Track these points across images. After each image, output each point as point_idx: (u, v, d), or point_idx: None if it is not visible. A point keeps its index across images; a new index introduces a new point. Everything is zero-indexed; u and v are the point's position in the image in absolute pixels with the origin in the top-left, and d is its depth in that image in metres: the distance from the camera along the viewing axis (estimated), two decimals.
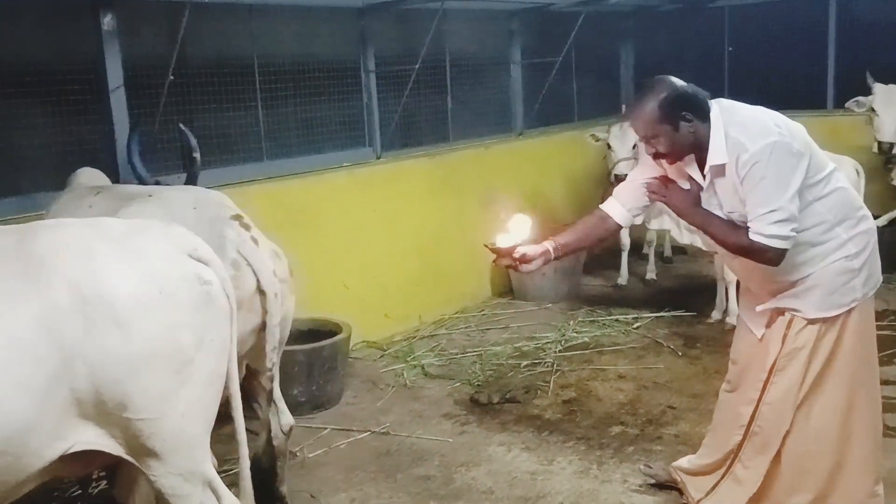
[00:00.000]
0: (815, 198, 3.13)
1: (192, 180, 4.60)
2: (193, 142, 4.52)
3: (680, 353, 5.80)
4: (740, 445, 3.43)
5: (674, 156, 3.25)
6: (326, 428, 4.88)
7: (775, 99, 7.67)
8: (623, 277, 7.63)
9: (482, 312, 6.97)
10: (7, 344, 2.37)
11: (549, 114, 8.20)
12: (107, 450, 2.60)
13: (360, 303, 6.06)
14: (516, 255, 3.47)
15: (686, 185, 3.32)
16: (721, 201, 3.20)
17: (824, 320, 3.21)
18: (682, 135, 3.15)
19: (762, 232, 3.04)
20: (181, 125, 4.68)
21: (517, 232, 3.56)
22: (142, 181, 4.70)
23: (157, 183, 4.66)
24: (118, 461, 2.71)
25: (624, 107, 9.28)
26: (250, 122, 5.64)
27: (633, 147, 6.82)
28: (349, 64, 6.38)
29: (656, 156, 3.28)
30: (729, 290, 6.16)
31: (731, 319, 6.16)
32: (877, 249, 3.29)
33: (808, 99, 8.01)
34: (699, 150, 3.18)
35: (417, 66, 6.31)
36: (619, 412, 4.93)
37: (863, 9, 8.17)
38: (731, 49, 8.77)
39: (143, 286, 2.57)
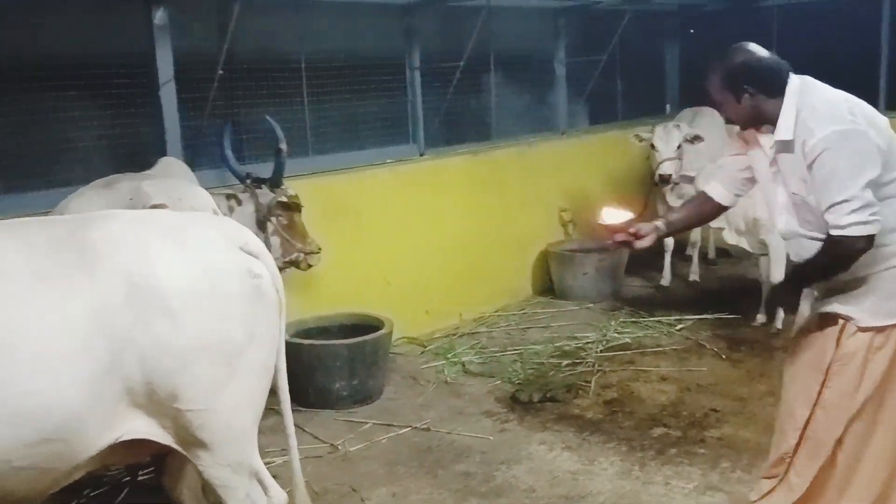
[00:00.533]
0: (883, 197, 2.95)
1: (278, 171, 4.73)
2: (280, 133, 4.65)
3: (723, 356, 5.73)
4: (795, 450, 3.35)
5: (739, 124, 3.24)
6: (368, 422, 4.90)
7: None
8: (666, 278, 7.55)
9: (523, 311, 6.95)
10: (62, 332, 2.41)
11: (594, 113, 8.17)
12: (156, 440, 2.63)
13: (401, 299, 6.08)
14: (631, 231, 3.43)
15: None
16: (785, 179, 3.09)
17: (878, 330, 3.09)
18: (743, 107, 3.10)
19: (839, 224, 2.87)
20: (268, 116, 4.81)
21: (625, 210, 3.58)
22: (234, 172, 4.81)
23: (248, 175, 4.82)
24: (167, 450, 2.74)
25: (668, 106, 9.25)
26: (296, 117, 5.68)
27: (678, 147, 6.76)
28: (394, 61, 6.41)
29: (727, 120, 3.23)
30: None
31: (775, 322, 6.07)
32: None
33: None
34: (764, 123, 3.11)
35: (462, 64, 6.31)
36: (661, 414, 4.89)
37: None
38: (778, 49, 8.62)
39: (196, 278, 2.60)
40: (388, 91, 6.37)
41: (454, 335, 6.35)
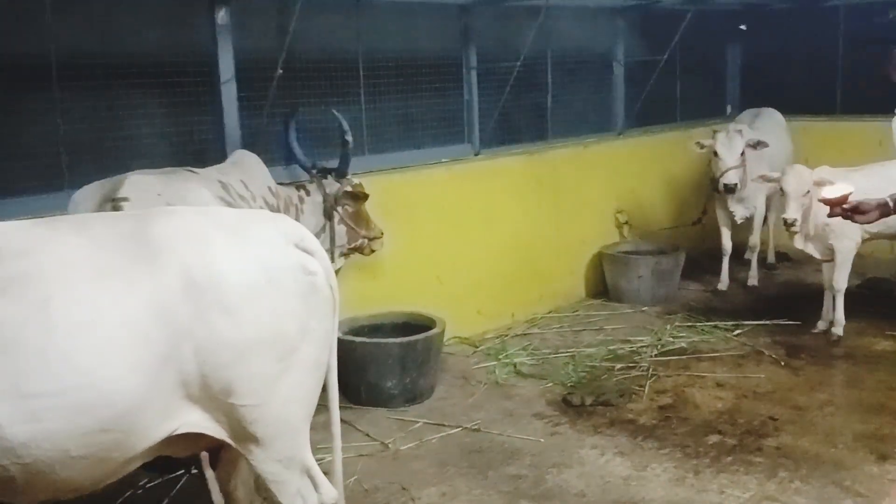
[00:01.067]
0: None
1: (344, 163, 4.91)
2: (346, 125, 4.80)
3: (782, 363, 5.61)
4: None
5: None
6: (419, 421, 4.91)
7: (891, 103, 7.38)
8: (723, 283, 7.42)
9: (576, 313, 6.90)
10: (122, 324, 2.47)
11: (651, 114, 8.04)
12: (210, 433, 2.67)
13: (453, 298, 6.08)
14: (847, 206, 3.46)
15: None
16: None
17: None
18: None
19: None
20: (334, 110, 4.97)
21: (844, 185, 3.59)
22: (300, 163, 5.02)
23: (314, 166, 5.02)
24: (221, 443, 2.78)
25: (729, 108, 9.08)
26: (353, 116, 5.71)
27: (741, 154, 6.64)
28: (451, 60, 6.40)
29: None
30: (837, 299, 5.92)
31: (836, 330, 5.93)
32: None
33: None
34: None
35: (519, 64, 6.28)
36: (716, 421, 4.80)
37: None
38: (844, 48, 8.41)
39: (253, 274, 2.64)
40: (445, 90, 6.37)
41: (506, 336, 6.33)
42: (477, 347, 6.09)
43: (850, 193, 3.45)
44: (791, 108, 7.91)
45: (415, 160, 6.10)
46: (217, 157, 4.77)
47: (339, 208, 4.91)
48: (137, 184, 3.89)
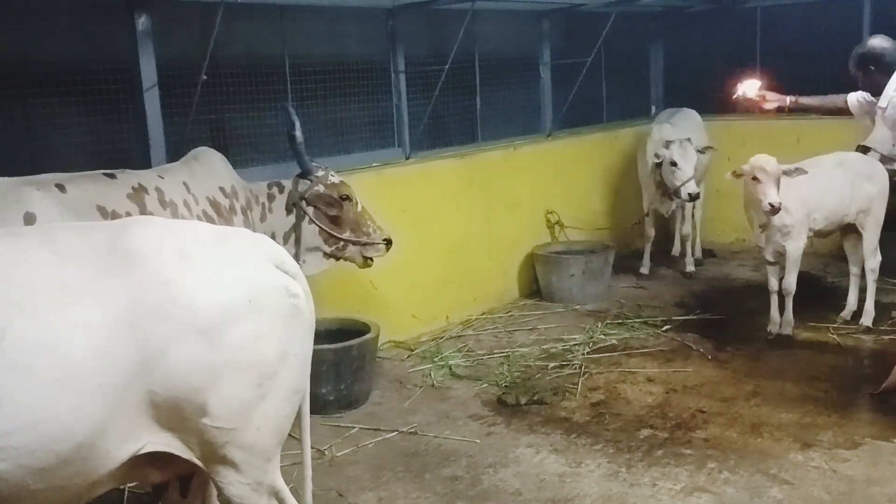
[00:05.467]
0: None
1: (299, 161, 4.71)
2: (295, 119, 4.57)
3: (709, 357, 5.75)
4: None
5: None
6: (354, 427, 4.89)
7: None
8: (645, 267, 7.72)
9: (509, 314, 6.95)
10: (88, 344, 2.32)
11: (579, 115, 8.16)
12: (178, 453, 2.55)
13: (387, 302, 6.08)
14: (758, 94, 5.08)
15: None
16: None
17: None
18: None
19: None
20: (286, 105, 4.78)
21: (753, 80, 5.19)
22: (301, 163, 4.75)
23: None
24: (191, 471, 2.70)
25: (654, 108, 9.28)
26: (281, 121, 5.66)
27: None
28: (379, 64, 6.39)
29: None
30: (787, 300, 5.94)
31: (785, 330, 5.99)
32: None
33: None
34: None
35: (447, 67, 6.31)
36: (648, 415, 4.90)
37: None
38: (762, 50, 8.67)
39: (234, 293, 2.53)
40: (374, 94, 6.36)
41: (441, 338, 6.35)
42: (412, 351, 6.09)
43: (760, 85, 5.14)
44: (712, 107, 8.11)
45: (345, 165, 6.05)
46: (141, 164, 4.66)
47: (311, 208, 4.71)
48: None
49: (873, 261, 6.00)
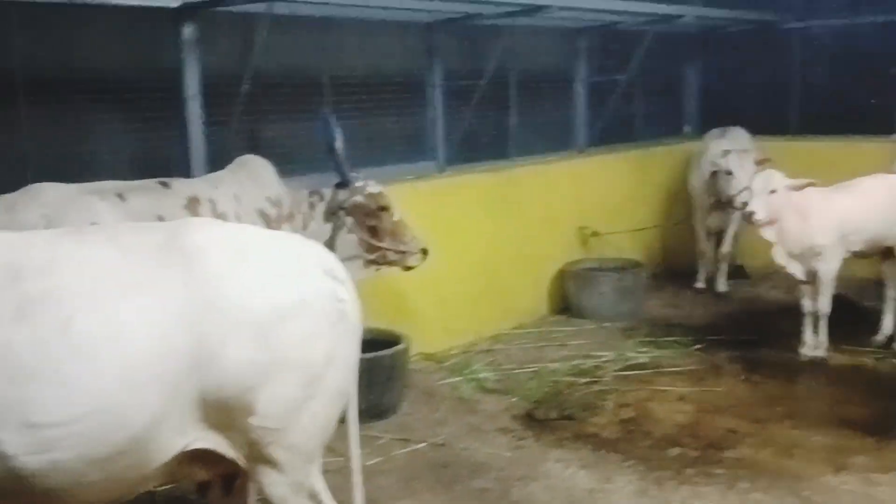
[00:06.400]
0: None
1: (339, 171, 4.76)
2: (335, 131, 4.67)
3: (742, 378, 5.71)
4: None
5: None
6: (384, 437, 4.92)
7: (843, 124, 7.60)
8: (700, 282, 7.94)
9: (539, 329, 6.95)
10: (148, 337, 2.40)
11: (612, 132, 8.17)
12: (222, 451, 2.60)
13: (419, 315, 6.11)
14: None
15: None
16: None
17: None
18: None
19: None
20: (327, 115, 4.83)
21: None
22: (341, 173, 4.82)
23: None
24: (234, 471, 2.74)
25: (686, 127, 9.27)
26: (319, 132, 5.73)
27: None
28: (416, 78, 6.46)
29: None
30: (821, 322, 5.93)
31: (819, 352, 5.96)
32: None
33: (876, 125, 7.84)
34: None
35: (483, 82, 6.36)
36: (678, 434, 4.88)
37: None
38: (802, 72, 8.64)
39: (284, 294, 2.61)
40: (410, 108, 6.42)
41: (471, 352, 6.37)
42: (442, 364, 6.11)
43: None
44: (747, 127, 8.09)
45: (380, 177, 6.10)
46: (182, 172, 4.75)
47: (350, 218, 4.77)
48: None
49: None
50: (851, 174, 6.04)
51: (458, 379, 5.80)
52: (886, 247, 5.95)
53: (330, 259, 2.86)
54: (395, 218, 4.94)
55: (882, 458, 4.47)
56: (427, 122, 6.55)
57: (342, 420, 2.93)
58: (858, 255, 5.98)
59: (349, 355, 2.79)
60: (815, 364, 5.89)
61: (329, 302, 2.71)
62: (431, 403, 5.45)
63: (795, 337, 6.10)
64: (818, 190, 5.73)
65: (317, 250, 2.88)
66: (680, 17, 7.48)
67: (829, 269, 5.73)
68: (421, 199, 6.21)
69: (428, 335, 6.19)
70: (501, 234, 6.88)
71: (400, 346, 5.26)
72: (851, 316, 6.65)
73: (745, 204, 6.65)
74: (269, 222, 4.46)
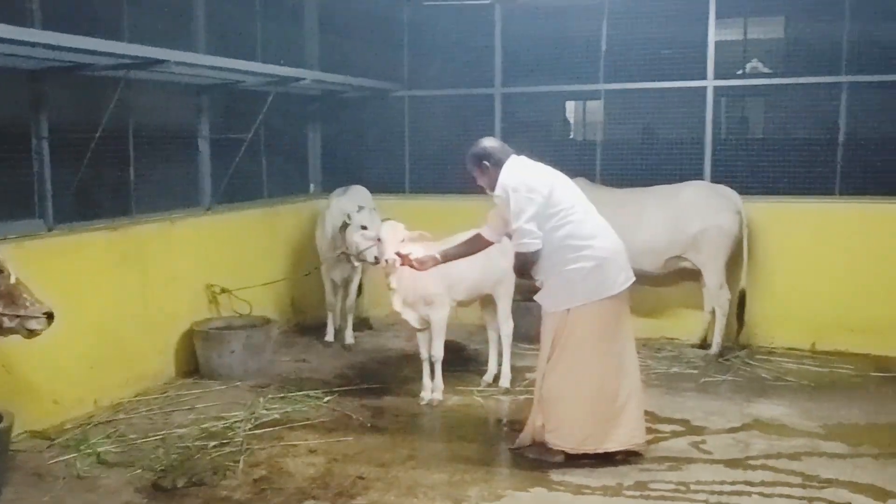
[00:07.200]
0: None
1: None
2: None
3: (368, 425, 5.94)
4: None
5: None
6: None
7: (448, 182, 8.30)
8: (330, 335, 8.16)
9: (165, 394, 6.63)
10: None
11: (239, 190, 8.17)
12: None
13: (24, 389, 5.52)
14: (414, 260, 5.64)
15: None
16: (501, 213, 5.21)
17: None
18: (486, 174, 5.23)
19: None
20: None
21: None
22: None
23: None
24: None
25: (312, 185, 9.58)
26: None
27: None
28: (20, 129, 5.91)
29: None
30: (436, 367, 6.38)
31: (437, 395, 6.38)
32: None
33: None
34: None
35: (98, 134, 6.01)
36: (310, 486, 4.92)
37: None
38: (411, 137, 9.38)
39: None
40: (12, 162, 5.85)
41: (88, 425, 5.87)
42: (53, 440, 5.55)
43: (410, 254, 5.65)
44: (367, 186, 8.57)
45: None
46: None
47: None
48: None
49: (507, 327, 6.66)
50: (455, 229, 6.65)
51: (72, 455, 5.30)
52: (485, 294, 6.63)
53: None
54: (12, 280, 4.48)
55: (492, 488, 4.89)
56: (34, 176, 6.00)
57: None
58: (462, 304, 6.59)
59: None
60: (433, 406, 6.32)
61: None
62: (41, 486, 4.91)
63: (416, 382, 6.53)
64: (427, 244, 6.23)
65: None
66: (299, 79, 7.74)
67: (440, 316, 6.23)
68: (27, 260, 5.64)
69: (36, 410, 5.61)
70: (122, 294, 6.49)
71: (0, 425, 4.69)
72: (462, 359, 7.28)
73: (377, 259, 7.05)
74: None
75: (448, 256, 5.62)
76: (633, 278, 5.19)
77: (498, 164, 5.17)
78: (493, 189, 5.18)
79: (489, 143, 5.32)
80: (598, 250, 5.04)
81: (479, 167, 5.25)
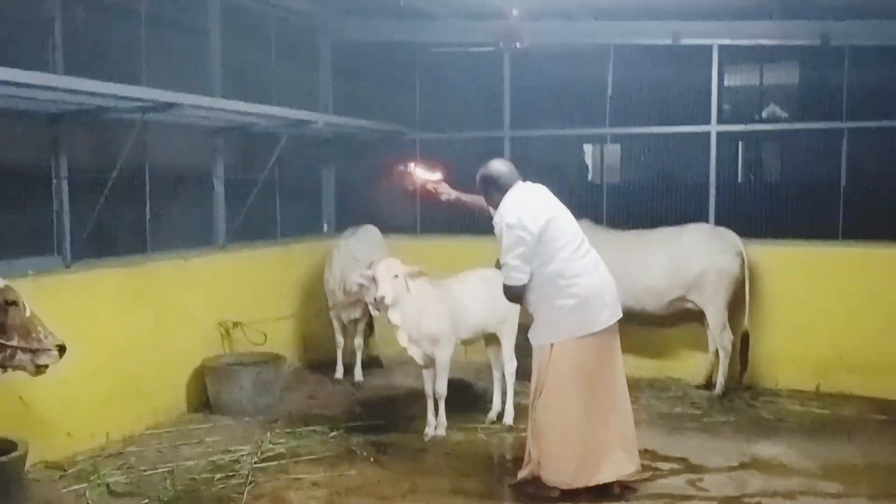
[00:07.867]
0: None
1: None
2: None
3: (372, 460, 6.05)
4: None
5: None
6: None
7: (460, 223, 8.43)
8: (339, 372, 8.27)
9: (177, 428, 6.78)
10: None
11: (253, 230, 8.37)
12: None
13: (39, 420, 5.69)
14: (435, 184, 5.98)
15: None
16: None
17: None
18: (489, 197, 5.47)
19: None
20: None
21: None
22: None
23: None
24: None
25: (325, 225, 9.78)
26: None
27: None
28: (40, 170, 6.16)
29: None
30: (439, 403, 6.51)
31: (440, 431, 6.52)
32: None
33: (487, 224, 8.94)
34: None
35: (115, 175, 6.24)
36: None
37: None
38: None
39: None
40: (33, 201, 6.09)
41: (99, 456, 6.03)
42: (66, 471, 5.71)
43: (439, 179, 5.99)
44: (379, 226, 8.77)
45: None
46: None
47: None
48: None
49: (511, 365, 6.78)
50: (464, 268, 6.82)
51: (83, 485, 5.45)
52: (489, 333, 6.76)
53: None
54: (27, 313, 4.66)
55: None
56: (52, 215, 6.24)
57: None
58: (466, 343, 6.72)
59: None
60: (437, 442, 6.43)
61: None
62: None
63: (422, 419, 6.64)
64: (434, 283, 6.39)
65: None
66: (311, 122, 7.98)
67: (444, 354, 6.36)
68: (45, 297, 5.85)
69: (51, 441, 5.78)
70: (137, 331, 6.68)
71: (14, 454, 4.85)
72: (468, 397, 7.39)
73: (377, 300, 7.19)
74: None
75: (463, 199, 5.88)
76: (620, 315, 5.30)
77: (502, 190, 5.34)
78: (496, 209, 5.39)
79: (497, 167, 5.43)
80: (583, 288, 5.16)
81: (485, 192, 5.45)
